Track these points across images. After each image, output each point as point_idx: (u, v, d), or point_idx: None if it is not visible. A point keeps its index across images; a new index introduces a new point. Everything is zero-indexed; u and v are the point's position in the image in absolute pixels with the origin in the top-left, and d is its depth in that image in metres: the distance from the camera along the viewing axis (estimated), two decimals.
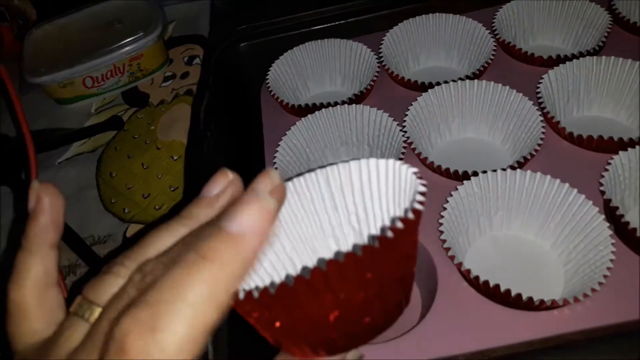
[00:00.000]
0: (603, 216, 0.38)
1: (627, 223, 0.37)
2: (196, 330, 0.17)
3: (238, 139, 0.57)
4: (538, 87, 0.48)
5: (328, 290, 0.21)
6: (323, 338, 0.23)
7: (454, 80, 0.49)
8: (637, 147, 0.41)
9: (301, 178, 0.28)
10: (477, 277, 0.36)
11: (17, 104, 0.45)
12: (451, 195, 0.41)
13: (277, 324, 0.22)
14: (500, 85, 0.48)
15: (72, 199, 0.57)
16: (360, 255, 0.20)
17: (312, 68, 0.60)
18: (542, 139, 0.44)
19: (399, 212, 0.28)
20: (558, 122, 0.45)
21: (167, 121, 0.62)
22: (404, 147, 0.46)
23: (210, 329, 0.18)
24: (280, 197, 0.20)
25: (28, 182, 0.44)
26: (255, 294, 0.20)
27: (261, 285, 0.26)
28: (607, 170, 0.41)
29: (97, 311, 0.20)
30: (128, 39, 0.66)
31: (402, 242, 0.22)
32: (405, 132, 0.47)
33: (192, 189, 0.48)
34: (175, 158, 0.57)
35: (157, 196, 0.54)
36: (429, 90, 0.49)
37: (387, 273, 0.23)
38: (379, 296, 0.23)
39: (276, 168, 0.47)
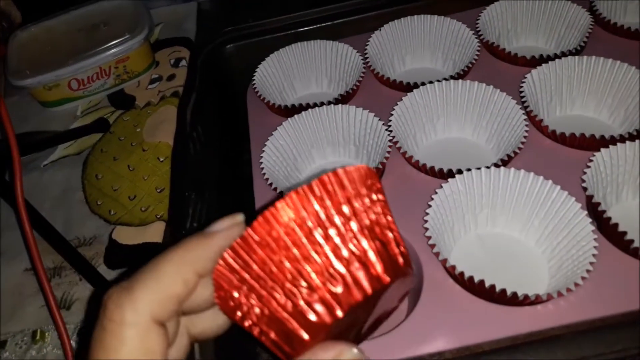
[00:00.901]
0: (585, 212, 0.38)
1: (609, 219, 0.38)
2: (163, 297, 0.23)
3: (225, 140, 0.57)
4: (521, 87, 0.48)
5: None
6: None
7: (438, 81, 0.50)
8: (618, 144, 0.42)
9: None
10: (462, 274, 0.36)
11: (1, 107, 0.45)
12: (436, 193, 0.41)
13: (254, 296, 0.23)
14: (484, 85, 0.48)
15: (58, 201, 0.57)
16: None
17: (299, 69, 0.60)
18: (525, 137, 0.44)
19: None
20: (541, 121, 0.46)
21: (153, 123, 0.61)
22: (390, 147, 0.46)
23: (177, 298, 0.23)
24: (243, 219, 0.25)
25: (12, 183, 0.44)
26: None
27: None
28: (589, 167, 0.41)
29: None
30: (114, 41, 0.66)
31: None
32: (391, 131, 0.47)
33: (179, 190, 0.48)
34: (161, 159, 0.57)
35: (143, 198, 0.54)
36: (414, 90, 0.49)
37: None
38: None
39: (262, 168, 0.48)
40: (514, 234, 0.43)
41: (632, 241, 0.37)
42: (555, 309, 0.36)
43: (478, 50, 0.53)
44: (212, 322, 0.26)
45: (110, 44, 0.66)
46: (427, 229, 0.39)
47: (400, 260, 0.24)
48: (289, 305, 0.22)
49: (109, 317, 0.22)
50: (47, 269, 0.50)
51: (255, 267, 0.23)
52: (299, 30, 0.63)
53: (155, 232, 0.51)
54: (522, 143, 0.44)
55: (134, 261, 0.49)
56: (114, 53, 0.66)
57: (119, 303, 0.22)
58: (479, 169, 0.42)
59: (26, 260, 0.52)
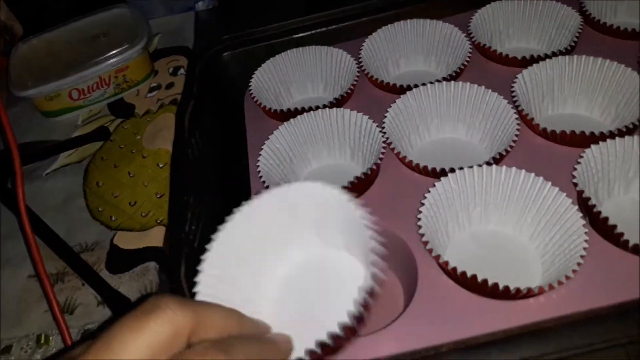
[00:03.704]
0: (576, 207, 0.39)
1: (599, 213, 0.38)
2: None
3: (223, 145, 0.58)
4: (513, 87, 0.49)
5: None
6: None
7: (431, 82, 0.51)
8: (608, 140, 0.42)
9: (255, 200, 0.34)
10: (454, 269, 0.37)
11: (3, 117, 0.46)
12: (429, 192, 0.42)
13: None
14: (476, 85, 0.49)
15: (60, 208, 0.58)
16: None
17: (294, 75, 0.61)
18: (517, 135, 0.45)
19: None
20: (532, 119, 0.47)
21: (152, 130, 0.62)
22: (384, 148, 0.47)
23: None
24: None
25: (14, 192, 0.45)
26: None
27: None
28: (579, 163, 0.42)
29: None
30: (113, 51, 0.68)
31: None
32: (385, 133, 0.48)
33: (177, 195, 0.49)
34: (161, 166, 0.58)
35: (143, 204, 0.55)
36: (407, 92, 0.50)
37: None
38: None
39: (259, 172, 0.48)
40: (508, 230, 0.44)
41: (622, 234, 0.38)
42: (548, 302, 0.36)
43: (470, 52, 0.54)
44: None
45: (109, 54, 0.67)
46: (420, 226, 0.39)
47: None
48: None
49: None
50: (50, 275, 0.51)
51: None
52: (294, 36, 0.64)
53: (155, 237, 0.52)
54: (514, 141, 0.45)
55: (135, 265, 0.50)
56: (113, 63, 0.67)
57: None
58: (471, 167, 0.42)
59: (30, 267, 0.53)
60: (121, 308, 0.47)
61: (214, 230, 0.34)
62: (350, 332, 0.29)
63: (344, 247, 0.35)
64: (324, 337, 0.28)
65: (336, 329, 0.28)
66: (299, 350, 0.29)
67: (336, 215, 0.34)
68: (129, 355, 0.21)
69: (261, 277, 0.35)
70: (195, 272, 0.32)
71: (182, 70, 0.71)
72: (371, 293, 0.29)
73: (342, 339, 0.29)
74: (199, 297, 0.30)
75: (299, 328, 0.30)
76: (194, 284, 0.31)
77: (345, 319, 0.28)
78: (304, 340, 0.29)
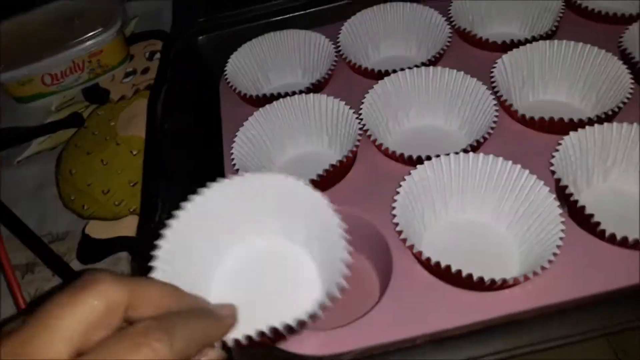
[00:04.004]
0: (554, 196, 0.38)
1: (576, 201, 0.38)
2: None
3: (197, 132, 0.56)
4: (492, 72, 0.48)
5: None
6: None
7: (409, 68, 0.49)
8: (587, 127, 0.42)
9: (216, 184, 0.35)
10: (428, 259, 0.36)
11: None
12: (404, 180, 0.41)
13: None
14: (455, 71, 0.48)
15: (32, 196, 0.56)
16: None
17: (273, 59, 0.60)
18: (495, 122, 0.44)
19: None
20: (511, 105, 0.46)
21: (126, 117, 0.61)
22: (360, 135, 0.46)
23: None
24: None
25: None
26: None
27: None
28: (557, 151, 0.41)
29: None
30: (87, 35, 0.66)
31: None
32: (362, 119, 0.47)
33: (151, 184, 0.48)
34: (134, 153, 0.56)
35: (116, 192, 0.54)
36: (385, 78, 0.49)
37: None
38: None
39: (233, 160, 0.47)
40: (485, 219, 0.43)
41: (598, 223, 0.37)
42: (523, 293, 0.36)
43: (449, 37, 0.53)
44: None
45: (82, 37, 0.65)
46: (394, 215, 0.39)
47: None
48: None
49: None
50: (20, 266, 0.50)
51: None
52: (273, 19, 0.63)
53: (128, 226, 0.50)
54: (492, 128, 0.44)
55: (107, 255, 0.49)
56: (86, 47, 0.65)
57: None
58: (447, 155, 0.41)
59: None
60: None
61: None
62: (302, 327, 0.31)
63: (305, 244, 0.36)
64: (274, 323, 0.29)
65: (289, 320, 0.29)
66: (241, 328, 0.29)
67: (305, 212, 0.34)
68: (64, 330, 0.21)
69: (217, 256, 0.36)
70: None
71: (158, 55, 0.69)
72: (331, 298, 0.30)
73: (294, 331, 0.30)
74: (155, 272, 0.30)
75: (246, 309, 0.30)
76: (151, 257, 0.31)
77: (301, 314, 0.30)
78: (249, 322, 0.29)
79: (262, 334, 0.29)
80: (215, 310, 0.28)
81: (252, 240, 0.37)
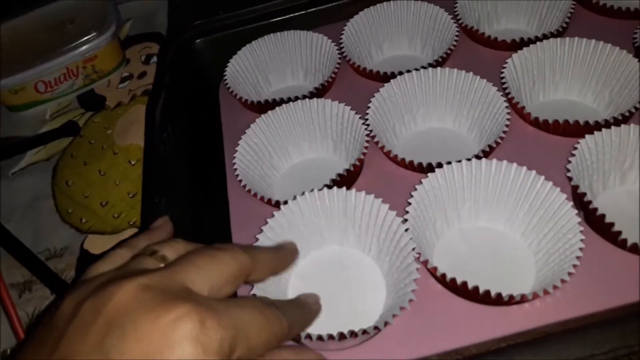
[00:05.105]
0: (571, 203, 0.37)
1: (596, 209, 0.36)
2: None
3: (198, 140, 0.55)
4: (502, 72, 0.46)
5: None
6: None
7: (416, 69, 0.48)
8: (603, 130, 0.40)
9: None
10: (444, 275, 0.35)
11: None
12: (416, 189, 0.39)
13: None
14: (463, 72, 0.46)
15: (27, 210, 0.55)
16: None
17: (273, 62, 0.58)
18: (507, 125, 0.43)
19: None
20: (523, 108, 0.44)
21: (124, 124, 0.59)
22: (367, 142, 0.44)
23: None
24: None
25: None
26: None
27: None
28: (573, 155, 0.39)
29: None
30: (81, 40, 0.64)
31: None
32: (368, 125, 0.45)
33: (151, 196, 0.46)
34: (132, 163, 0.54)
35: (115, 204, 0.52)
36: (391, 80, 0.47)
37: None
38: None
39: (236, 169, 0.45)
40: (499, 227, 0.41)
41: (619, 232, 0.35)
42: (543, 307, 0.34)
43: (457, 35, 0.51)
44: None
45: (76, 42, 0.63)
46: (407, 229, 0.37)
47: None
48: None
49: None
50: (17, 284, 0.48)
51: None
52: (272, 20, 0.61)
53: None
54: (504, 132, 0.42)
55: None
56: (80, 52, 0.63)
57: None
58: (459, 161, 0.40)
59: None
60: None
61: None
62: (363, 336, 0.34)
63: (377, 259, 0.40)
64: (342, 328, 0.33)
65: (360, 326, 0.33)
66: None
67: (380, 229, 0.39)
68: (207, 276, 0.23)
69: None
70: None
71: (154, 59, 0.67)
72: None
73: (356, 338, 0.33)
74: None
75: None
76: None
77: (368, 323, 0.34)
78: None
79: (330, 336, 0.32)
80: (305, 299, 0.31)
81: (328, 247, 0.42)
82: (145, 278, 0.21)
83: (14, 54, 0.65)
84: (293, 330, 0.26)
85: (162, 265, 0.24)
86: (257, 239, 0.39)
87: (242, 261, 0.25)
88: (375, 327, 0.33)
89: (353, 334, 0.32)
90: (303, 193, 0.40)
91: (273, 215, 0.40)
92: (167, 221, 0.32)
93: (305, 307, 0.30)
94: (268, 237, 0.39)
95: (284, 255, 0.32)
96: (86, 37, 0.64)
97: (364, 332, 0.33)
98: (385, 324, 0.33)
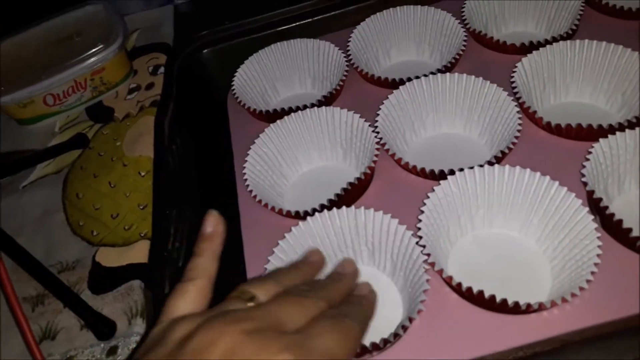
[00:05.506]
0: (587, 209, 0.36)
1: (612, 215, 0.36)
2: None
3: (206, 150, 0.55)
4: (512, 76, 0.46)
5: None
6: None
7: (425, 75, 0.47)
8: (617, 133, 0.40)
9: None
10: (459, 284, 0.34)
11: None
12: (428, 197, 0.39)
13: None
14: (473, 77, 0.46)
15: (38, 223, 0.55)
16: None
17: (280, 70, 0.58)
18: (519, 130, 0.42)
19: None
20: (535, 112, 0.44)
21: (133, 135, 0.59)
22: (377, 150, 0.44)
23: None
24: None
25: None
26: None
27: None
28: (588, 160, 0.39)
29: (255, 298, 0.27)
30: (88, 52, 0.64)
31: None
32: (378, 132, 0.45)
33: (160, 209, 0.46)
34: (142, 174, 0.54)
35: (126, 216, 0.52)
36: (400, 87, 0.47)
37: None
38: None
39: (246, 179, 0.45)
40: (513, 233, 0.41)
41: (638, 238, 0.35)
42: (561, 315, 0.34)
43: (465, 40, 0.51)
44: None
45: (83, 55, 0.63)
46: (421, 237, 0.37)
47: None
48: None
49: None
50: (29, 298, 0.48)
51: None
52: (279, 29, 0.61)
53: (139, 252, 0.48)
54: (516, 137, 0.42)
55: (119, 284, 0.47)
56: (88, 65, 0.63)
57: None
58: (472, 168, 0.39)
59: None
60: (105, 332, 0.44)
61: None
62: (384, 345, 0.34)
63: (392, 274, 0.41)
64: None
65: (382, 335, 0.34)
66: None
67: (393, 246, 0.39)
68: (296, 322, 0.25)
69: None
70: None
71: (162, 69, 0.67)
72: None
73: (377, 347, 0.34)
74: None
75: None
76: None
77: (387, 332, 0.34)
78: None
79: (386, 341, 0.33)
80: (368, 297, 0.32)
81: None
82: (247, 324, 0.24)
83: (22, 68, 0.65)
84: (364, 329, 0.28)
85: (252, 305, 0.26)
86: (268, 261, 0.39)
87: (321, 307, 0.27)
88: (386, 341, 0.34)
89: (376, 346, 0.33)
90: (314, 211, 0.41)
91: (284, 237, 0.40)
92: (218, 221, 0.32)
93: (364, 301, 0.31)
94: (279, 257, 0.39)
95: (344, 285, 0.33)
96: (93, 50, 0.64)
97: (375, 345, 0.33)
98: (396, 336, 0.34)
